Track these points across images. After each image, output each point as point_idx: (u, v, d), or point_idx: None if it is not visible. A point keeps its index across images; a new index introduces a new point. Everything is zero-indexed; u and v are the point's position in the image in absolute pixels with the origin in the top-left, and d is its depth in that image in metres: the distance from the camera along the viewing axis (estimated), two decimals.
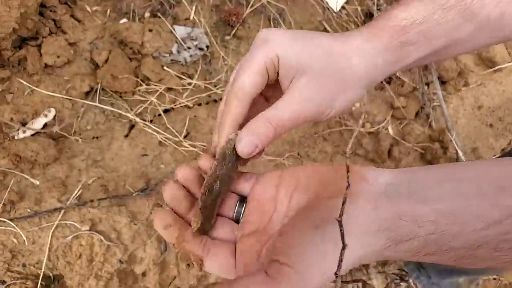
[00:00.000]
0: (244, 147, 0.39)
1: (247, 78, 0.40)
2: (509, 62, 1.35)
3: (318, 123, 1.17)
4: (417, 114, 1.29)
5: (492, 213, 0.31)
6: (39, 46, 0.96)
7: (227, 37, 1.08)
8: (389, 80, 1.28)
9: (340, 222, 0.30)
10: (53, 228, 0.84)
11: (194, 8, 1.05)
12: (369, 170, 0.37)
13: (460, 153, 1.20)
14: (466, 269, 0.94)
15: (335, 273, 0.29)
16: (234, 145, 0.40)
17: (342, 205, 0.31)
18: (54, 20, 1.00)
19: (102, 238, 0.85)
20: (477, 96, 1.35)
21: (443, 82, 1.32)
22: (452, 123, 1.26)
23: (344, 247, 0.29)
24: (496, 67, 1.33)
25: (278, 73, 0.41)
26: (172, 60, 1.02)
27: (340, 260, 0.29)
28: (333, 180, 0.38)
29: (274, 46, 0.40)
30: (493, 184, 0.32)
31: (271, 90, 0.44)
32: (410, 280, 1.03)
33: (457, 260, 0.34)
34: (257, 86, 0.40)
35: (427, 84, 1.30)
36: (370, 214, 0.34)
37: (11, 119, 0.88)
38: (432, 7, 0.41)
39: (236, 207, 0.42)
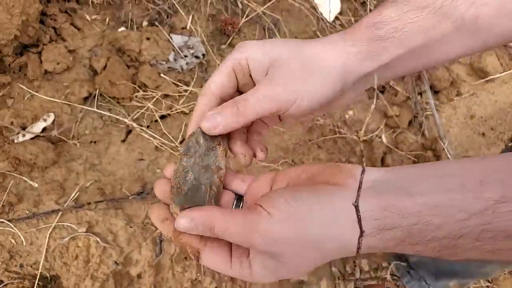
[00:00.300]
0: (206, 122, 0.42)
1: (213, 79, 0.45)
2: (501, 73, 1.41)
3: (313, 131, 1.23)
4: (410, 123, 1.35)
5: (474, 205, 0.33)
6: (39, 53, 1.01)
7: (223, 46, 1.14)
8: (382, 90, 1.34)
9: (356, 207, 0.34)
10: (50, 230, 0.88)
11: (191, 17, 1.11)
12: (358, 168, 0.40)
13: None
14: (457, 271, 0.99)
15: (354, 260, 0.33)
16: (201, 137, 0.43)
17: (358, 190, 0.35)
18: (54, 28, 1.06)
19: (98, 240, 0.89)
20: (469, 105, 1.41)
21: (436, 92, 1.38)
22: (444, 132, 1.32)
23: (361, 234, 0.33)
24: (488, 78, 1.40)
25: (251, 76, 0.45)
26: (169, 67, 1.08)
27: (359, 248, 0.33)
28: (321, 175, 0.41)
29: (244, 50, 0.45)
30: (475, 179, 0.35)
31: None
32: (403, 284, 1.07)
33: (440, 251, 0.36)
34: (223, 86, 0.45)
35: (420, 93, 1.36)
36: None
37: (11, 123, 0.93)
38: (405, 7, 0.44)
39: (234, 205, 0.46)
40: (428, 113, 1.35)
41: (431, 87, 1.35)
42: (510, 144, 1.33)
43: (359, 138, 1.27)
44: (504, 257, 0.36)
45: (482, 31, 0.45)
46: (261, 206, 0.37)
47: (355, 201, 0.35)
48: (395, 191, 0.37)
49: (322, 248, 0.37)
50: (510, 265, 0.98)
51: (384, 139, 1.30)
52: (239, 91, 0.48)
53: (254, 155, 0.49)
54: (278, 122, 0.53)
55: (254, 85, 0.46)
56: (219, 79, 0.45)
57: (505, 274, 1.22)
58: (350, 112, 1.28)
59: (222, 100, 0.46)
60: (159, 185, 0.44)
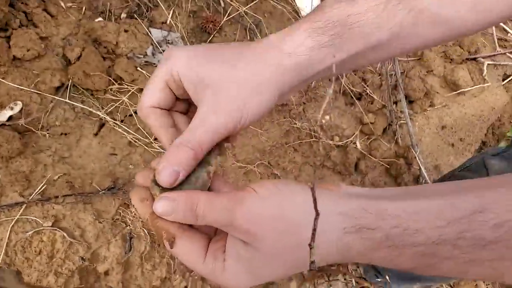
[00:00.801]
0: (165, 178, 0.41)
1: (149, 96, 0.45)
2: (472, 87, 1.52)
3: (290, 134, 1.27)
4: (384, 130, 1.42)
5: (451, 213, 0.36)
6: (8, 38, 1.00)
7: (203, 44, 1.17)
8: (359, 97, 1.40)
9: (312, 189, 0.37)
10: (12, 223, 0.87)
11: (171, 12, 1.13)
12: (342, 184, 0.44)
13: (423, 170, 1.32)
14: (420, 275, 1.05)
15: (309, 245, 0.35)
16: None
17: (313, 186, 0.37)
18: (25, 13, 1.05)
19: (65, 234, 0.89)
20: (441, 116, 1.50)
21: (410, 102, 1.46)
22: (416, 141, 1.40)
23: (317, 215, 0.34)
24: (460, 90, 1.49)
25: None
26: (146, 61, 1.09)
27: (314, 229, 0.34)
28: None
29: (174, 63, 0.44)
30: (452, 190, 0.39)
31: (194, 107, 0.47)
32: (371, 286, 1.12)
33: (417, 260, 0.38)
34: (160, 102, 0.45)
35: (395, 102, 1.44)
36: (337, 201, 0.40)
37: None
38: (348, 10, 0.45)
39: None
40: (402, 121, 1.42)
41: (406, 97, 1.43)
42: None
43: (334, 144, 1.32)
44: (477, 272, 0.38)
45: (440, 24, 0.47)
46: (250, 186, 0.40)
47: (312, 185, 0.37)
48: (376, 197, 0.41)
49: (298, 234, 0.38)
50: None
51: (358, 145, 1.36)
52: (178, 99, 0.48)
53: None
54: None
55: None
56: (155, 97, 0.45)
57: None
58: (327, 117, 1.34)
59: (165, 112, 0.46)
60: (142, 173, 0.46)
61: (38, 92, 0.99)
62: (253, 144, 1.20)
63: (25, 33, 1.01)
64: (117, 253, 0.93)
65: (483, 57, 1.55)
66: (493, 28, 1.58)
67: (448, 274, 0.39)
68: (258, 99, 0.43)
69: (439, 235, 0.36)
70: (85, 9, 1.10)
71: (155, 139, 1.07)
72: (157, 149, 1.05)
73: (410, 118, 1.43)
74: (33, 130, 0.96)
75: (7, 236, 0.87)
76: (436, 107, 1.47)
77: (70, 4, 1.09)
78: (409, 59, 1.48)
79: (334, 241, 0.39)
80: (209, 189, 0.45)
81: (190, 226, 0.43)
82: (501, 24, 1.60)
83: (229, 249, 0.40)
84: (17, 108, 0.97)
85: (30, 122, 0.96)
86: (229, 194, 0.40)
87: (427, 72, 1.48)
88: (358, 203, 0.39)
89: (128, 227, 0.96)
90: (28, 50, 1.01)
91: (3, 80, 0.97)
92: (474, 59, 1.53)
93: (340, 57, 0.45)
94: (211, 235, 0.45)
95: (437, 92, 1.49)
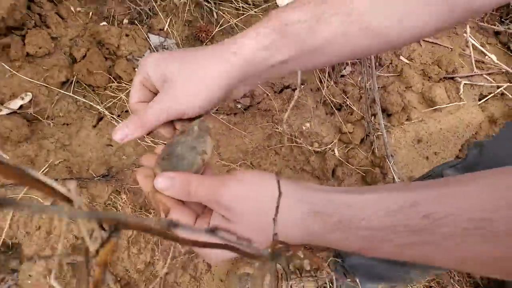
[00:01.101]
0: (116, 135, 0.55)
1: (132, 95, 0.58)
2: (448, 104, 1.66)
3: (272, 137, 1.41)
4: (362, 140, 1.57)
5: (391, 205, 0.45)
6: (23, 36, 1.15)
7: None
8: (339, 107, 1.55)
9: (277, 175, 0.47)
10: (17, 200, 1.01)
11: (168, 20, 1.28)
12: (310, 183, 0.55)
13: (397, 179, 1.46)
14: (384, 276, 1.18)
15: (273, 219, 0.47)
16: (197, 126, 0.57)
17: (278, 174, 0.50)
18: (40, 15, 1.20)
19: None
20: (417, 130, 1.64)
21: (388, 115, 1.61)
22: (392, 152, 1.54)
23: (280, 195, 0.39)
24: (436, 107, 1.64)
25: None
26: None
27: (277, 206, 0.38)
28: None
29: (145, 67, 0.56)
30: (397, 187, 0.50)
31: None
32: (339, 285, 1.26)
33: (363, 241, 0.46)
34: (140, 98, 0.58)
35: (374, 115, 1.58)
36: (301, 191, 0.49)
37: None
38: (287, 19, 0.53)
39: None
40: (379, 133, 1.57)
41: (384, 110, 1.58)
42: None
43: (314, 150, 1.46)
44: (410, 254, 0.45)
45: (369, 35, 0.54)
46: (233, 173, 0.51)
47: (276, 176, 0.50)
48: (335, 191, 0.51)
49: (268, 213, 0.47)
50: (430, 272, 1.19)
51: (336, 153, 1.51)
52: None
53: None
54: None
55: None
56: (136, 96, 0.58)
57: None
58: (307, 124, 1.48)
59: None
60: (147, 156, 0.59)
61: (46, 85, 1.14)
62: (236, 145, 1.34)
63: (38, 32, 1.16)
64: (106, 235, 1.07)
65: (460, 77, 1.70)
66: (471, 49, 1.73)
67: (387, 255, 0.48)
68: (205, 89, 0.54)
69: (379, 222, 0.45)
70: (92, 14, 1.25)
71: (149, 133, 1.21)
72: (148, 143, 1.19)
73: (387, 131, 1.57)
74: (40, 118, 1.10)
75: (11, 212, 1.00)
76: (413, 121, 1.61)
77: (79, 9, 1.25)
78: (389, 74, 1.63)
79: (296, 221, 0.48)
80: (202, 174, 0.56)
81: (183, 203, 0.53)
82: (479, 46, 1.75)
83: (212, 224, 0.50)
84: (27, 99, 1.12)
85: (38, 111, 1.10)
86: (217, 177, 0.50)
87: (406, 88, 1.63)
88: (319, 194, 0.49)
89: (118, 212, 1.10)
90: (40, 48, 1.16)
91: (16, 73, 1.11)
92: (452, 78, 1.68)
93: (280, 58, 0.54)
94: (199, 213, 0.54)
95: (415, 107, 1.63)
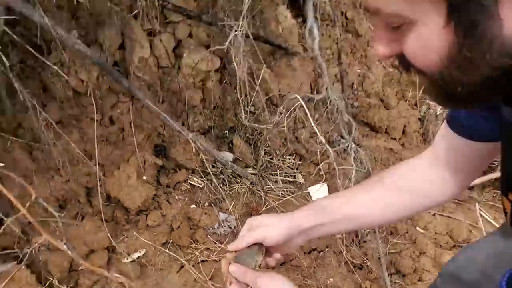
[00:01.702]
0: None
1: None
2: None
3: None
4: None
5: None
6: (147, 215, 2.04)
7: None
8: (361, 266, 2.06)
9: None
10: None
11: (232, 204, 2.08)
12: None
13: None
14: None
15: None
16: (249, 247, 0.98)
17: None
18: (158, 202, 2.10)
19: None
20: None
21: (403, 275, 2.05)
22: None
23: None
24: None
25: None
26: (213, 232, 2.01)
27: None
28: None
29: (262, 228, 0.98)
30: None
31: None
32: None
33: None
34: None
35: (391, 274, 2.05)
36: None
37: (123, 251, 1.91)
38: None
39: None
40: None
41: (398, 271, 2.03)
42: None
43: None
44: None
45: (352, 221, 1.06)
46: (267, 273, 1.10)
47: None
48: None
49: None
50: None
51: None
52: None
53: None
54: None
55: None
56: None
57: None
58: (331, 279, 2.02)
59: None
60: (230, 252, 1.00)
61: (154, 245, 1.96)
62: None
63: (155, 213, 2.04)
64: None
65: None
66: (480, 218, 2.13)
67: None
68: (276, 231, 0.96)
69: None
70: (187, 199, 2.12)
71: (210, 278, 1.91)
72: (212, 286, 1.88)
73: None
74: (147, 265, 1.90)
75: None
76: (424, 282, 2.02)
77: (180, 197, 2.13)
78: (405, 242, 2.11)
79: None
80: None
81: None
82: (486, 216, 2.14)
83: None
84: (142, 252, 1.94)
85: (147, 260, 1.90)
86: (258, 273, 0.90)
87: (420, 253, 2.08)
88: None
89: None
90: (154, 221, 2.02)
91: (139, 237, 1.97)
92: (461, 246, 2.08)
93: (317, 221, 1.00)
94: None
95: (428, 271, 2.05)
